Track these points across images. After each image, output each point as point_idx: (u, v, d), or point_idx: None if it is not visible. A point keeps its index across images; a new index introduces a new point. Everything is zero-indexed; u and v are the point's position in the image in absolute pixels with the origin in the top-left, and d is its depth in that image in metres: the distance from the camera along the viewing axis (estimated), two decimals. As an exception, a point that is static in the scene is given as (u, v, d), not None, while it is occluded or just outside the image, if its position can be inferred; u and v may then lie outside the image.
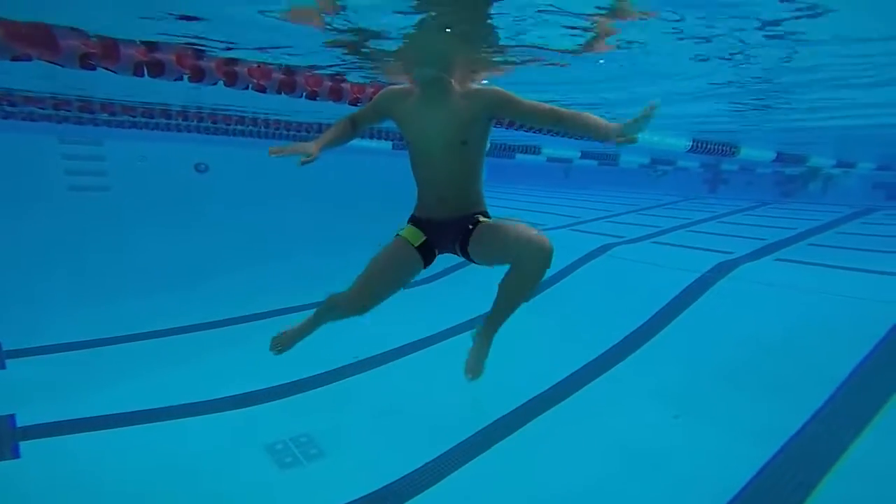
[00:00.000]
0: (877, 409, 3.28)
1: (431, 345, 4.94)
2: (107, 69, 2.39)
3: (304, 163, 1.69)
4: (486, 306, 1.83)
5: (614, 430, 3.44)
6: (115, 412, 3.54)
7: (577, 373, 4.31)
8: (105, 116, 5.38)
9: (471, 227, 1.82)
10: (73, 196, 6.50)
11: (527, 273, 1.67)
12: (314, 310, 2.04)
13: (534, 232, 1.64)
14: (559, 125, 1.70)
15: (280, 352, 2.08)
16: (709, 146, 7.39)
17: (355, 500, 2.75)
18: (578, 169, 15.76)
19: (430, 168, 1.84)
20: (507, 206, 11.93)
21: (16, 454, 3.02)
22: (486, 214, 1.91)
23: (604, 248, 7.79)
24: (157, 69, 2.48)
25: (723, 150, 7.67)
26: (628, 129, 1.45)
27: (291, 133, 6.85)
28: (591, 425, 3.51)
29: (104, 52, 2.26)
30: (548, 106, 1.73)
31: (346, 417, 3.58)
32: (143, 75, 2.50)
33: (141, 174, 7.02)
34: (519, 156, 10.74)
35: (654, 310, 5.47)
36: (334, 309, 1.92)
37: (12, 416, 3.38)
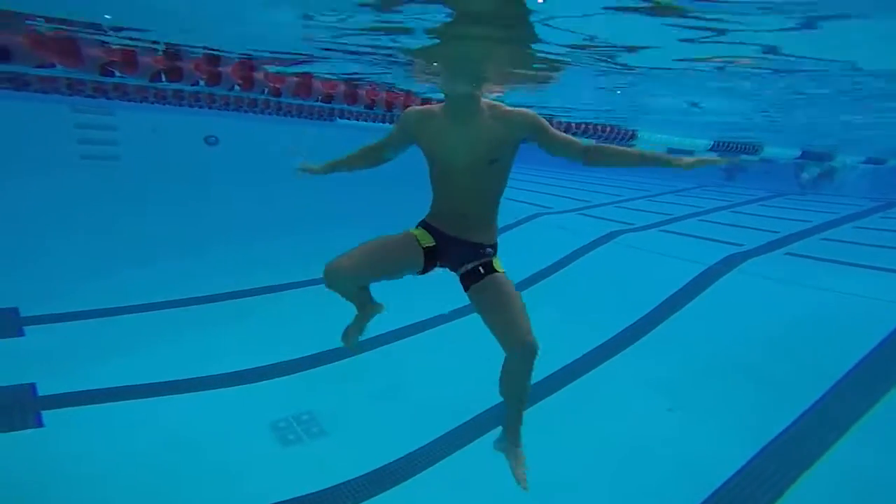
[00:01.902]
0: (865, 410, 3.33)
1: (433, 327, 5.04)
2: (127, 75, 2.40)
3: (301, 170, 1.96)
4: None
5: (609, 420, 3.52)
6: (125, 384, 3.68)
7: (575, 362, 4.38)
8: (118, 94, 5.38)
9: (482, 270, 1.83)
10: (85, 165, 6.59)
11: (515, 372, 1.74)
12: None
13: (524, 331, 1.67)
14: (589, 157, 1.70)
15: (352, 344, 2.08)
16: (730, 146, 7.21)
17: (355, 479, 2.90)
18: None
19: (453, 186, 1.82)
20: (518, 188, 11.80)
21: (39, 423, 3.19)
22: (495, 249, 1.92)
23: (610, 236, 7.73)
24: (175, 75, 2.49)
25: (745, 149, 7.48)
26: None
27: (304, 114, 6.80)
28: (587, 415, 3.60)
29: (124, 60, 2.27)
30: (578, 140, 1.73)
31: (348, 397, 3.71)
32: (161, 81, 2.51)
33: (152, 145, 7.07)
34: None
35: (656, 301, 5.48)
36: (329, 275, 1.78)
37: (34, 385, 3.56)
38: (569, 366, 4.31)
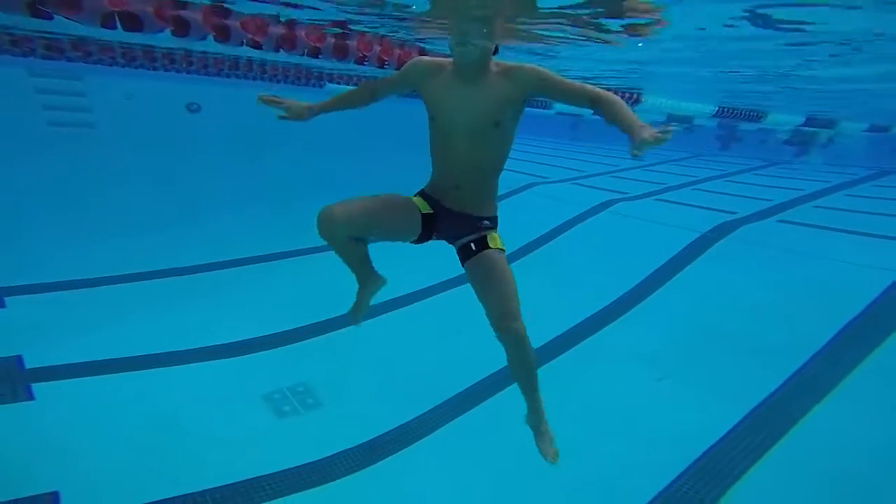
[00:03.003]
0: (842, 376, 3.41)
1: (427, 297, 5.02)
2: (67, 18, 2.13)
3: (281, 118, 1.83)
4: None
5: (599, 391, 3.56)
6: (113, 357, 3.63)
7: (569, 331, 4.41)
8: (78, 55, 4.96)
9: (474, 247, 1.78)
10: (55, 132, 6.25)
11: (509, 354, 1.73)
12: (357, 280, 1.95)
13: (508, 314, 1.65)
14: (596, 107, 1.60)
15: (358, 321, 2.07)
16: (734, 112, 7.05)
17: (352, 448, 2.93)
18: (588, 123, 15.14)
19: (454, 150, 1.73)
20: (513, 158, 11.52)
21: (30, 396, 3.15)
22: (494, 222, 1.86)
23: (606, 204, 7.69)
24: (133, 21, 2.19)
25: (749, 116, 7.34)
26: (644, 143, 1.31)
27: (290, 79, 6.48)
28: (577, 386, 3.64)
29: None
30: (587, 86, 1.63)
31: (343, 368, 3.71)
32: (114, 27, 2.21)
33: (130, 112, 6.73)
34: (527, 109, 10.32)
35: (650, 269, 5.50)
36: (323, 222, 1.67)
37: (20, 357, 3.49)
38: (562, 336, 4.34)
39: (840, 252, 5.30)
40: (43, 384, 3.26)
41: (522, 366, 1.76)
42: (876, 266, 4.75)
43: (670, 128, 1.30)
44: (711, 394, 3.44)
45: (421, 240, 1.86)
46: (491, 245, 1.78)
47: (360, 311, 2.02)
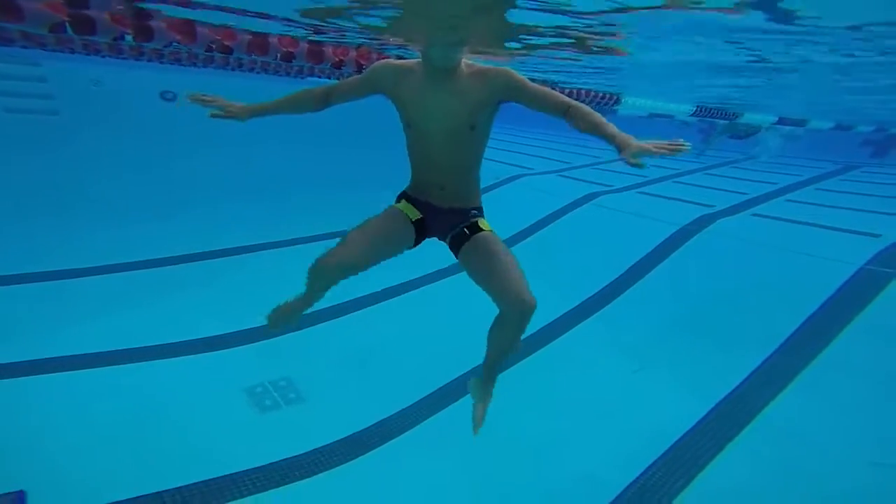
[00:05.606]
0: (801, 368, 3.56)
1: (408, 291, 5.02)
2: (9, 24, 1.94)
3: (214, 116, 1.78)
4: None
5: (576, 383, 3.65)
6: (86, 352, 3.53)
7: (550, 324, 4.49)
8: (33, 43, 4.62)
9: (467, 231, 1.78)
10: (14, 118, 5.93)
11: (509, 327, 1.69)
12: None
13: (521, 287, 1.60)
14: (568, 115, 1.60)
15: (277, 328, 2.03)
16: (712, 111, 7.18)
17: (335, 443, 2.95)
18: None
19: (433, 153, 1.74)
20: (500, 149, 11.58)
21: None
22: (481, 211, 1.87)
23: (590, 197, 7.78)
24: (86, 27, 2.01)
25: (725, 115, 7.48)
26: (640, 153, 1.38)
27: (270, 70, 6.28)
28: (561, 376, 3.73)
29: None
30: (559, 95, 1.63)
31: (324, 362, 3.71)
32: (64, 33, 2.04)
33: (97, 99, 6.44)
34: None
35: (631, 262, 5.62)
36: (324, 270, 1.73)
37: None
38: (543, 329, 4.40)
39: (806, 245, 5.50)
40: (9, 380, 3.16)
41: (518, 334, 1.72)
42: (837, 259, 4.96)
43: (681, 143, 1.34)
44: (685, 385, 3.56)
45: (416, 244, 1.88)
46: (483, 228, 1.79)
47: (290, 318, 2.00)
